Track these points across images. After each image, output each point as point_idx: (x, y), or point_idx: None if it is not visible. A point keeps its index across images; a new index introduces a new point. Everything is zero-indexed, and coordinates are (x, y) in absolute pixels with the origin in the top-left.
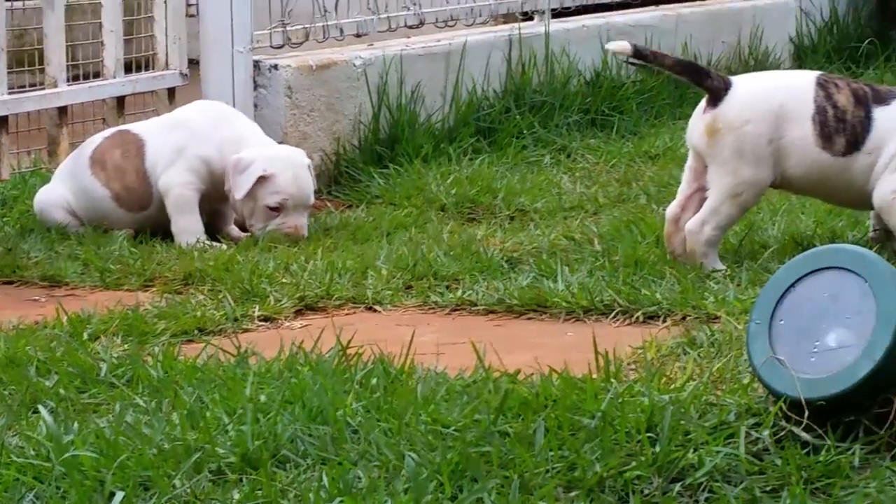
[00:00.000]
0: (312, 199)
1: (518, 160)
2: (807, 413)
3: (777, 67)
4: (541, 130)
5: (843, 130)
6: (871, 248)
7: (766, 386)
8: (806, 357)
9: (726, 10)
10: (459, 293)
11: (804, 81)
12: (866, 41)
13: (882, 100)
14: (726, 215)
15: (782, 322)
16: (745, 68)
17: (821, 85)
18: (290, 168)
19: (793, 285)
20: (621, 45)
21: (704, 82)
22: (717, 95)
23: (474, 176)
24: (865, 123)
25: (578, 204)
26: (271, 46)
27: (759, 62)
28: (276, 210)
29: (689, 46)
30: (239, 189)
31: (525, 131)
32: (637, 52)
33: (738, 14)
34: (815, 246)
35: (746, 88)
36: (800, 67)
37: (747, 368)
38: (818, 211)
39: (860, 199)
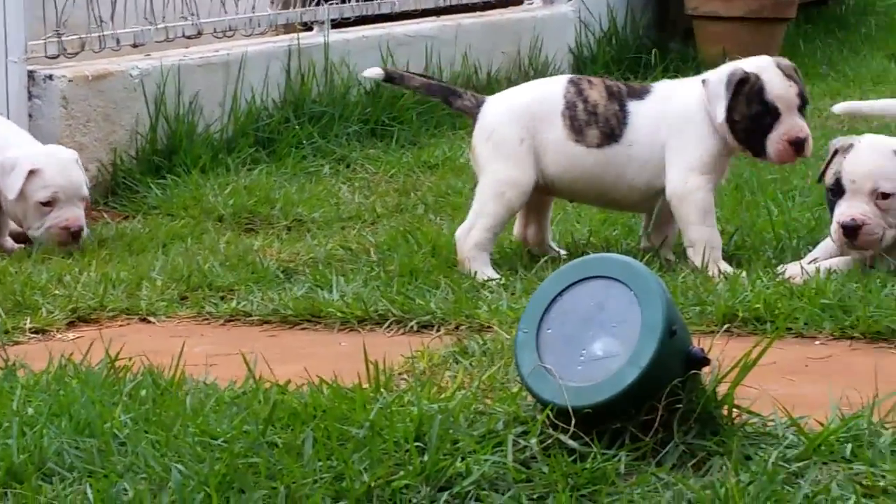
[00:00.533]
0: (85, 191)
1: (297, 170)
2: (573, 421)
3: None
4: (320, 141)
5: (595, 122)
6: (640, 258)
7: (534, 394)
8: (573, 365)
9: (506, 21)
10: (234, 304)
11: (556, 82)
12: (647, 51)
13: (637, 95)
14: (491, 214)
15: (550, 331)
16: (525, 78)
17: (573, 83)
18: (57, 162)
19: (560, 294)
20: (374, 72)
21: (454, 103)
22: (470, 115)
23: (252, 186)
24: (621, 116)
25: (356, 214)
26: (46, 56)
27: (539, 72)
28: (49, 205)
29: (469, 57)
30: (11, 190)
31: (304, 141)
32: (388, 76)
33: (518, 24)
34: (588, 254)
35: (497, 99)
36: None
37: (516, 377)
38: (593, 220)
39: (633, 196)
